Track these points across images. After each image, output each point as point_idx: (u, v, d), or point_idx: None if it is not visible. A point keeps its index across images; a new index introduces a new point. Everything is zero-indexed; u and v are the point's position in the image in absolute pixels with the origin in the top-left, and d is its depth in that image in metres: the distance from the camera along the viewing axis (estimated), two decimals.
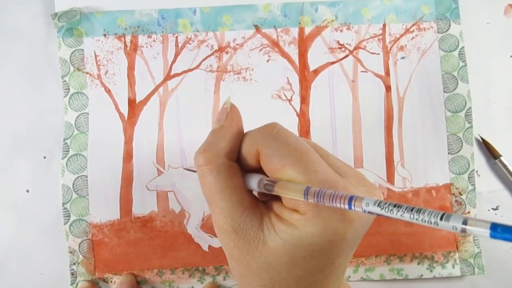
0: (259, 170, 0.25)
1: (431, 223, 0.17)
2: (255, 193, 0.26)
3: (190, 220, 0.39)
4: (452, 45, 0.41)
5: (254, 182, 0.24)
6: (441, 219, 0.17)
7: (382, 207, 0.18)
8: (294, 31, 0.41)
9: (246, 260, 0.24)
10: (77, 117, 0.40)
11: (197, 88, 0.40)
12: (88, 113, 0.40)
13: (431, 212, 0.17)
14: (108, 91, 0.40)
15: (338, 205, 0.20)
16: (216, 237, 0.39)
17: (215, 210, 0.24)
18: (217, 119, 0.26)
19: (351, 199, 0.20)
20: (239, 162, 0.25)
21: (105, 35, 0.40)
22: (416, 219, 0.17)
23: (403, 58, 0.41)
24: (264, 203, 0.25)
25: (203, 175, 0.24)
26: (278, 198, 0.25)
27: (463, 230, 0.16)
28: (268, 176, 0.24)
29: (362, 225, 0.24)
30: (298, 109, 0.41)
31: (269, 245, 0.23)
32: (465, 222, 0.16)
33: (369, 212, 0.19)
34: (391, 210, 0.18)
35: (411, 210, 0.18)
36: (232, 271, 0.26)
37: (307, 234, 0.22)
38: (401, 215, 0.18)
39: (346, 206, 0.20)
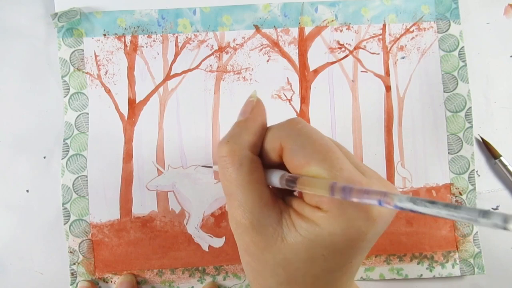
0: (279, 166, 0.24)
1: (470, 220, 0.16)
2: None
3: (190, 220, 0.39)
4: (452, 45, 0.41)
5: (275, 177, 0.24)
6: (480, 216, 0.16)
7: (416, 203, 0.18)
8: (294, 31, 0.41)
9: (262, 255, 0.23)
10: (77, 117, 0.40)
11: (197, 88, 0.40)
12: (88, 113, 0.40)
13: (470, 209, 0.16)
14: (108, 91, 0.40)
15: (367, 200, 0.19)
16: (217, 237, 0.39)
17: (233, 203, 0.23)
18: (242, 111, 0.25)
19: (383, 194, 0.19)
20: (260, 157, 0.25)
21: (105, 35, 0.40)
22: (454, 216, 0.16)
23: (403, 58, 0.41)
24: (283, 199, 0.25)
25: (225, 167, 0.24)
26: (297, 195, 0.24)
27: (505, 228, 0.15)
28: (289, 172, 0.24)
29: (383, 225, 0.23)
30: (298, 109, 0.41)
31: (288, 241, 0.23)
32: (505, 220, 0.15)
33: (401, 208, 0.18)
34: (426, 206, 0.17)
35: (448, 207, 0.17)
36: (245, 267, 0.25)
37: (329, 232, 0.22)
38: (437, 211, 0.17)
39: (376, 202, 0.19)
